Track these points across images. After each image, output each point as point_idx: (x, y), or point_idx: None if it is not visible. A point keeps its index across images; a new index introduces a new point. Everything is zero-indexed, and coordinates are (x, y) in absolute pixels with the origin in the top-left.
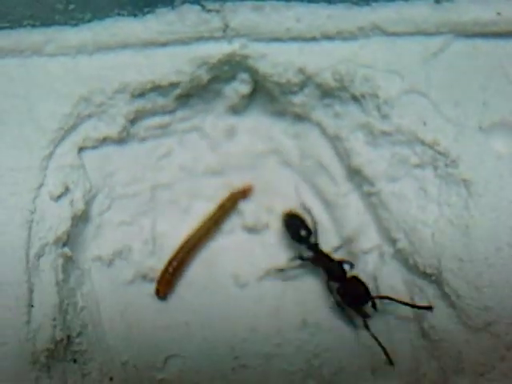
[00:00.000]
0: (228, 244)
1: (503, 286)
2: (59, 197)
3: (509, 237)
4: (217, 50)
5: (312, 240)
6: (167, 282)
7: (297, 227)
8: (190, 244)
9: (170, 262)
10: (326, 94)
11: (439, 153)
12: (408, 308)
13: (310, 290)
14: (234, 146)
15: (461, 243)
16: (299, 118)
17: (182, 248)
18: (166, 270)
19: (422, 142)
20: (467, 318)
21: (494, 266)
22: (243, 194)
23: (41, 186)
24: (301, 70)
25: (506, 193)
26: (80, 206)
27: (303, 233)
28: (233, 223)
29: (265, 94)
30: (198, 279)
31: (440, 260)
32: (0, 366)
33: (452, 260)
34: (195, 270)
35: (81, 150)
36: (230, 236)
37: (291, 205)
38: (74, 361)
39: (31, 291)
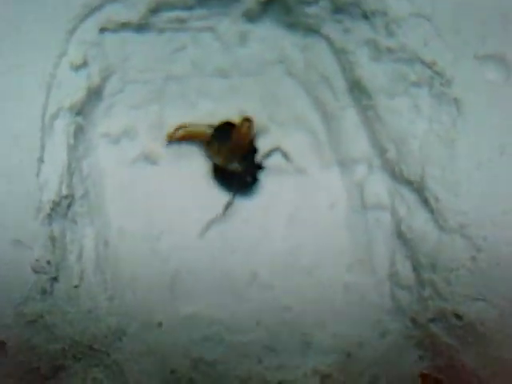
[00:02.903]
0: None
1: (479, 195)
2: (78, 68)
3: (490, 154)
4: None
5: None
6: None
7: None
8: None
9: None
10: (339, 8)
11: (436, 72)
12: (387, 212)
13: (298, 189)
14: (244, 52)
15: (445, 154)
16: (310, 31)
17: None
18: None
19: (422, 62)
20: (443, 220)
21: (473, 177)
22: None
23: (63, 55)
24: None
25: (492, 115)
26: (96, 80)
27: None
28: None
29: (280, 3)
30: (200, 168)
31: (424, 168)
32: (6, 213)
33: (435, 169)
34: (195, 162)
35: (102, 30)
36: None
37: (292, 114)
38: (75, 222)
39: (43, 148)
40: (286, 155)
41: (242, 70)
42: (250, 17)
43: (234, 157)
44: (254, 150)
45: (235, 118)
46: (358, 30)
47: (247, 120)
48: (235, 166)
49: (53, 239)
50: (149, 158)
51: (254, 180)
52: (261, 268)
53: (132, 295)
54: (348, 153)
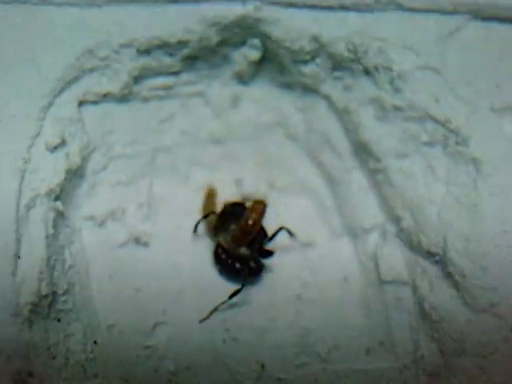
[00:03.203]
0: None
1: (510, 267)
2: (55, 148)
3: None
4: (229, 11)
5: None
6: None
7: None
8: None
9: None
10: (338, 65)
11: (450, 131)
12: (409, 289)
13: (305, 265)
14: (238, 116)
15: (468, 222)
16: (307, 90)
17: None
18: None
19: (434, 119)
20: (471, 298)
21: (501, 247)
22: None
23: (37, 135)
24: (314, 38)
25: None
26: (76, 160)
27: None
28: (231, 193)
29: (274, 63)
30: (196, 248)
31: (445, 239)
32: None
33: (458, 239)
34: (191, 238)
35: (81, 104)
36: None
37: (293, 180)
38: (58, 320)
39: (19, 242)
40: (290, 233)
41: (237, 136)
42: (242, 78)
43: (243, 240)
44: (264, 234)
45: (233, 191)
46: (361, 88)
47: (260, 203)
48: (243, 250)
49: (34, 346)
50: (139, 241)
51: (260, 266)
52: (269, 358)
53: None
54: (358, 220)
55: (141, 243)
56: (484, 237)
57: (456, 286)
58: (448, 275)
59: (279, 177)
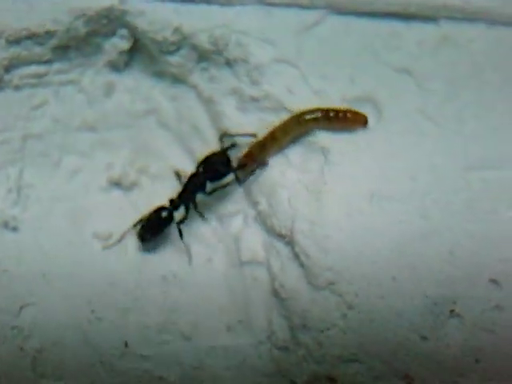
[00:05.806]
0: (96, 200)
1: (349, 249)
2: None
3: (360, 204)
4: (96, 3)
5: None
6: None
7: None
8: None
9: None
10: (203, 56)
11: None
12: (264, 269)
13: (174, 245)
14: (111, 104)
15: (313, 207)
16: (177, 80)
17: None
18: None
19: (287, 110)
20: (313, 277)
21: (343, 230)
22: None
23: None
24: (177, 30)
25: (362, 163)
26: None
27: None
28: (102, 179)
29: (144, 52)
30: (61, 232)
31: (293, 222)
32: None
33: (304, 222)
34: (59, 223)
35: None
36: (98, 192)
37: (165, 166)
38: None
39: None
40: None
41: (111, 123)
42: (115, 67)
43: None
44: None
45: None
46: (223, 79)
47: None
48: None
49: None
50: (7, 225)
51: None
52: (132, 337)
53: None
54: (224, 205)
55: (10, 228)
56: (327, 221)
57: (302, 265)
58: (295, 256)
59: (151, 164)
